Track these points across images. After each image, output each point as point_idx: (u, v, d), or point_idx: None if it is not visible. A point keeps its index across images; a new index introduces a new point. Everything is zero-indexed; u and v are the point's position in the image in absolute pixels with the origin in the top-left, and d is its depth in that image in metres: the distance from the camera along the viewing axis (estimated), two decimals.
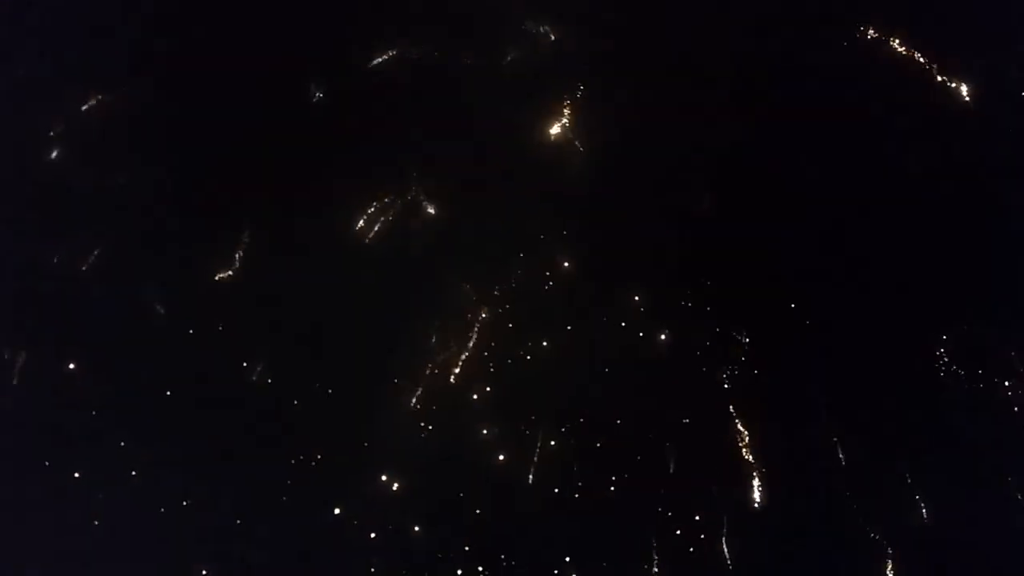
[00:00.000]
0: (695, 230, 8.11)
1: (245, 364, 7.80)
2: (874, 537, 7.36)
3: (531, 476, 7.33)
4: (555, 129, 8.44)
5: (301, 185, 8.33)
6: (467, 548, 7.26)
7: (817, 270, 8.02)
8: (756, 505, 7.35)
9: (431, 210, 8.29)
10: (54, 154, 8.55)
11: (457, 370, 7.69)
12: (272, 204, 8.31)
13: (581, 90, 8.54)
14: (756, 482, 7.37)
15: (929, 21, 8.62)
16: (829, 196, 8.12)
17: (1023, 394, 7.66)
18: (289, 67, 8.58)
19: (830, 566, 7.42)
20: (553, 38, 8.77)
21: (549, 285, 7.97)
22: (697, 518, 7.25)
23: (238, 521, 7.41)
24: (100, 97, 8.67)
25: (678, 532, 7.24)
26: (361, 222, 8.20)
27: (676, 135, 8.25)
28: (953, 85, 8.41)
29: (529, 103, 8.51)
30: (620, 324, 7.84)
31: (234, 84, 8.56)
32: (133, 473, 7.50)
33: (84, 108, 8.65)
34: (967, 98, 8.39)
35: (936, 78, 8.43)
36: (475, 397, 7.59)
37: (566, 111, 8.47)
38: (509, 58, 8.70)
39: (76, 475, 7.49)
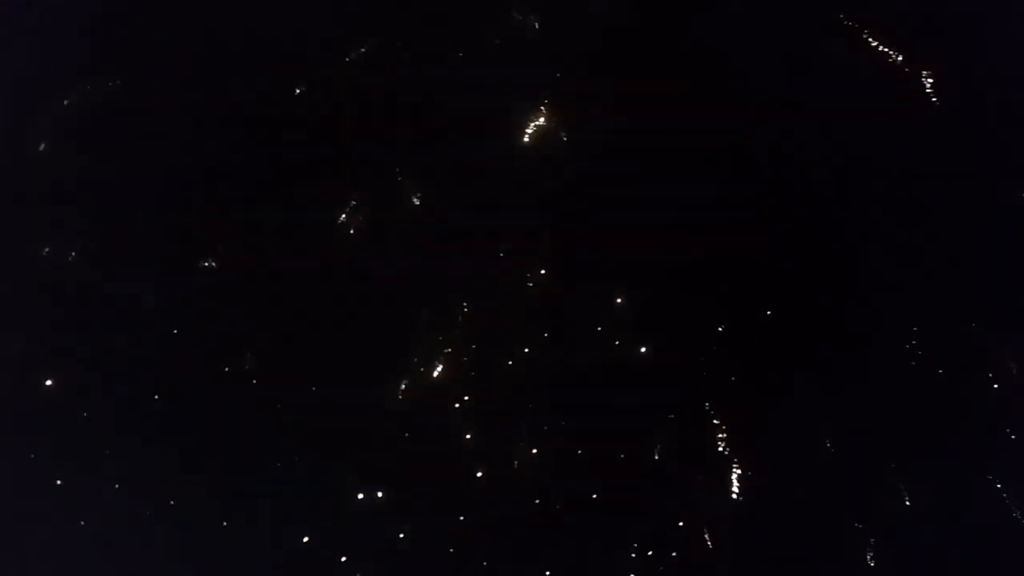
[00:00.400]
0: (682, 228, 7.99)
1: (227, 369, 7.73)
2: (857, 527, 7.36)
3: (514, 482, 7.31)
4: (540, 124, 8.30)
5: (284, 179, 8.21)
6: (451, 551, 7.24)
7: (802, 268, 7.96)
8: (741, 503, 7.33)
9: (415, 201, 8.18)
10: (40, 147, 8.46)
11: (440, 368, 7.63)
12: (254, 200, 8.21)
13: (568, 83, 8.36)
14: (741, 482, 7.36)
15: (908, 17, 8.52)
16: (816, 196, 8.06)
17: (1010, 392, 7.62)
18: (271, 61, 8.47)
19: (812, 558, 7.38)
20: (538, 26, 8.59)
21: (532, 284, 7.89)
22: (681, 524, 7.24)
23: (224, 524, 7.37)
24: (81, 90, 8.55)
25: (662, 536, 7.24)
26: (343, 216, 8.10)
27: (663, 132, 8.09)
28: (929, 81, 8.28)
29: (513, 95, 8.34)
30: (604, 326, 7.75)
31: (218, 79, 8.46)
32: (115, 478, 7.46)
33: (66, 103, 8.53)
34: (944, 95, 8.26)
35: (911, 72, 8.31)
36: (456, 403, 7.54)
37: (552, 104, 8.31)
38: (493, 48, 8.53)
39: (58, 482, 7.47)
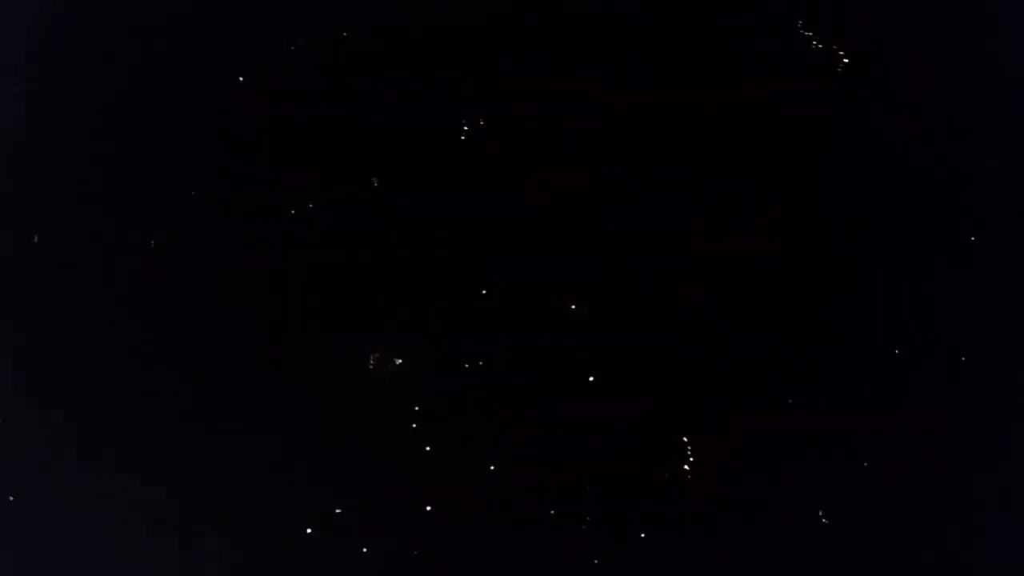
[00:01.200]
0: (652, 231, 7.86)
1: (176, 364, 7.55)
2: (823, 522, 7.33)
3: (481, 492, 7.24)
4: (502, 113, 8.01)
5: (235, 170, 8.03)
6: (420, 555, 7.19)
7: (781, 266, 7.82)
8: (720, 512, 7.31)
9: (370, 192, 7.95)
10: None
11: (398, 365, 7.51)
12: (204, 189, 8.01)
13: (530, 71, 8.10)
14: (716, 494, 7.31)
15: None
16: (791, 196, 7.94)
17: (984, 393, 7.59)
18: (216, 52, 8.26)
19: (784, 551, 7.34)
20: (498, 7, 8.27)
21: (489, 288, 7.71)
22: (643, 535, 7.16)
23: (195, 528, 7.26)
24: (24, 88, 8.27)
25: (627, 547, 7.19)
26: (293, 210, 7.88)
27: (633, 128, 7.97)
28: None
29: (474, 81, 8.09)
30: (570, 329, 7.62)
31: (164, 70, 8.23)
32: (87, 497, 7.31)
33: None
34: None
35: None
36: (411, 412, 7.41)
37: (514, 93, 8.04)
38: (451, 31, 8.21)
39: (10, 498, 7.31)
